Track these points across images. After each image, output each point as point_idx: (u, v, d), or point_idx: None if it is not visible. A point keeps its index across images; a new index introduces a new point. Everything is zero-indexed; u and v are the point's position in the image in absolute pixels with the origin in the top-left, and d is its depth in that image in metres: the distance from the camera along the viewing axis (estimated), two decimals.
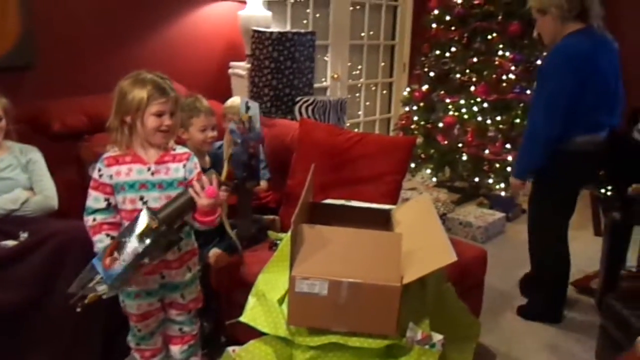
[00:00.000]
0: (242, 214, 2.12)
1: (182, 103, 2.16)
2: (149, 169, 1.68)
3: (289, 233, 1.54)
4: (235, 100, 2.70)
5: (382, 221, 1.89)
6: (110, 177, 1.67)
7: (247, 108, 2.04)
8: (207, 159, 2.27)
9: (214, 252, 2.09)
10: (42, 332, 1.88)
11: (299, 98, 3.12)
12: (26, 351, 1.86)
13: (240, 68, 3.40)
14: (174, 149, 1.74)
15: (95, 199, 1.69)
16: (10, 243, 1.99)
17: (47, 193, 2.24)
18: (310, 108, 3.06)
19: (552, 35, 2.36)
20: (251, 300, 1.68)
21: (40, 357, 1.88)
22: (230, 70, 3.48)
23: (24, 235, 2.04)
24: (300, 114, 3.08)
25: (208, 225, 1.66)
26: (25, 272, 1.90)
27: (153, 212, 1.54)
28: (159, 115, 1.64)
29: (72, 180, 2.42)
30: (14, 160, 2.25)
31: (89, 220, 1.70)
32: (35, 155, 2.31)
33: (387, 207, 2.02)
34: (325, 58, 4.38)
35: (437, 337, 1.48)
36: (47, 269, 1.92)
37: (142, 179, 1.67)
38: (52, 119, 2.51)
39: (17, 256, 1.93)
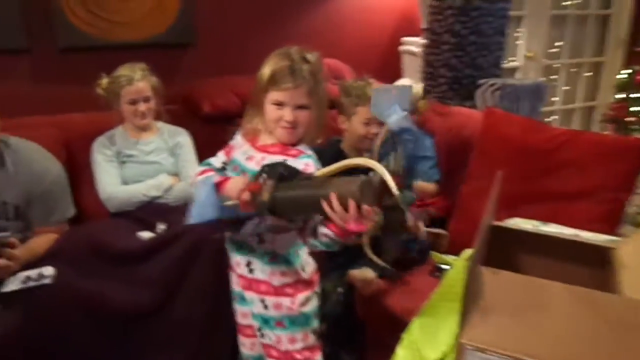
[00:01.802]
0: (394, 231, 1.66)
1: (349, 87, 1.83)
2: (244, 153, 1.36)
3: (460, 259, 1.07)
4: (404, 84, 2.26)
5: (597, 261, 1.32)
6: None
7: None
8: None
9: (362, 272, 1.68)
10: (164, 337, 1.68)
11: (482, 81, 2.54)
12: (145, 356, 1.68)
13: (413, 44, 2.92)
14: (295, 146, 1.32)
15: (217, 157, 1.44)
16: (146, 235, 1.84)
17: (191, 181, 2.07)
18: (496, 94, 2.46)
19: None
20: (400, 354, 1.26)
21: None
22: (401, 47, 3.02)
23: (161, 227, 1.88)
24: (484, 100, 2.50)
25: (343, 239, 1.19)
26: (157, 270, 1.72)
27: (276, 174, 1.14)
28: (279, 104, 1.26)
29: None
30: (161, 143, 2.12)
31: (199, 169, 1.46)
32: (184, 139, 2.15)
33: (604, 238, 1.43)
34: (517, 32, 3.66)
35: None
36: (178, 268, 1.71)
37: (238, 159, 1.35)
38: (203, 99, 2.34)
39: (151, 252, 1.75)
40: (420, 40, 2.87)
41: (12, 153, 1.61)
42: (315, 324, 1.39)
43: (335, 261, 1.81)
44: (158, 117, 2.13)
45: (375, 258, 1.63)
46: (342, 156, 1.84)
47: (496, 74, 2.76)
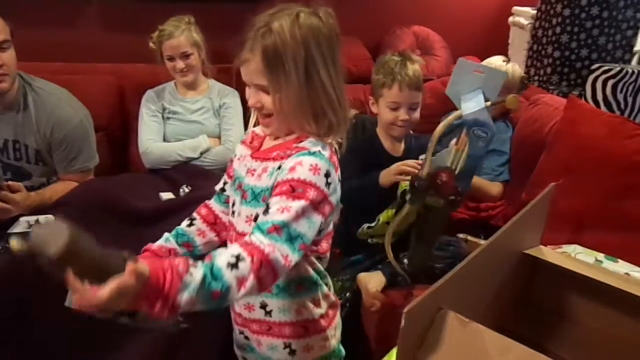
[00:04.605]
0: (428, 239, 1.35)
1: (382, 62, 1.52)
2: (245, 165, 1.01)
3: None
4: (495, 62, 1.89)
5: None
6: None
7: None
8: (402, 146, 1.55)
9: (369, 277, 1.43)
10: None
11: (597, 66, 2.03)
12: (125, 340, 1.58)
13: (524, 15, 2.46)
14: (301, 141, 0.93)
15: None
16: (166, 196, 1.76)
17: (229, 146, 1.94)
18: (610, 83, 1.95)
19: None
20: None
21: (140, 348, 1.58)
22: (510, 19, 2.56)
23: (185, 190, 1.79)
24: (594, 90, 2.00)
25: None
26: (160, 236, 1.62)
27: None
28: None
29: None
30: (207, 102, 2.02)
31: None
32: (231, 101, 2.03)
33: None
34: None
35: None
36: None
37: (241, 175, 1.00)
38: None
39: (161, 216, 1.66)
40: (532, 10, 2.40)
41: (35, 96, 1.60)
42: None
43: (353, 257, 1.58)
44: (205, 74, 2.02)
45: (393, 261, 1.37)
46: (376, 143, 1.57)
47: (624, 58, 2.22)
